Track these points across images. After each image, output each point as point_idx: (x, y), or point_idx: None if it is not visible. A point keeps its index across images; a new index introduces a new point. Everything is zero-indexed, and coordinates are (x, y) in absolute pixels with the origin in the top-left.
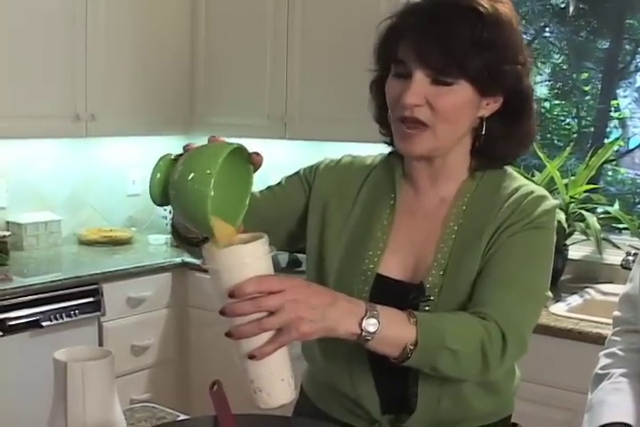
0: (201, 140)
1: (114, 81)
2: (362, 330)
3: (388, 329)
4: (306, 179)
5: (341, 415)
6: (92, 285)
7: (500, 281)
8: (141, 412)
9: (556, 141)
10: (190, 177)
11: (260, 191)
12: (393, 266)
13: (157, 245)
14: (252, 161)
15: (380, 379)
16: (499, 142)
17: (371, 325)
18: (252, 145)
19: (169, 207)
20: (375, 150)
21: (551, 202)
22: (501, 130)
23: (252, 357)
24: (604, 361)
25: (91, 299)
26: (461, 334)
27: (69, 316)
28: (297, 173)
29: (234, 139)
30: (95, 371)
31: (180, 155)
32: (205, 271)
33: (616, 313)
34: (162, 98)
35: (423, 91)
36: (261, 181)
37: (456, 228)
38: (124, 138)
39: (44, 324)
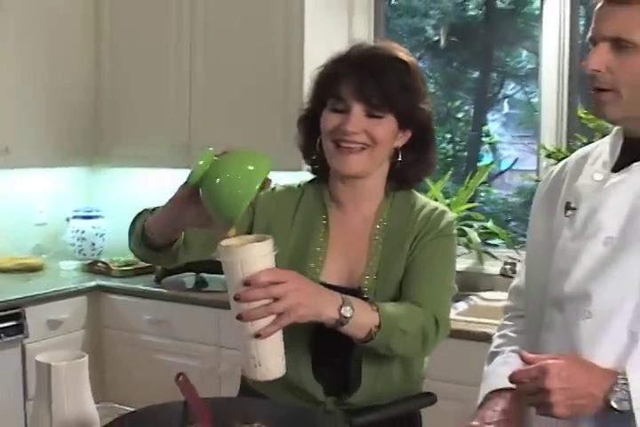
0: (105, 172)
1: (24, 114)
2: (340, 315)
3: (359, 315)
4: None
5: (287, 400)
6: (14, 309)
7: (425, 279)
8: (102, 410)
9: None
10: (243, 173)
11: None
12: (333, 275)
13: (68, 271)
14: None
15: (321, 367)
16: (410, 168)
17: (347, 311)
18: (155, 175)
19: (77, 234)
20: (281, 178)
21: (451, 215)
22: (412, 158)
23: (257, 336)
24: (497, 341)
25: (14, 322)
26: (409, 318)
27: None
28: None
29: (138, 169)
30: (74, 370)
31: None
32: (118, 293)
33: (506, 303)
34: (68, 130)
35: (361, 122)
36: None
37: (381, 240)
38: (33, 169)
39: None
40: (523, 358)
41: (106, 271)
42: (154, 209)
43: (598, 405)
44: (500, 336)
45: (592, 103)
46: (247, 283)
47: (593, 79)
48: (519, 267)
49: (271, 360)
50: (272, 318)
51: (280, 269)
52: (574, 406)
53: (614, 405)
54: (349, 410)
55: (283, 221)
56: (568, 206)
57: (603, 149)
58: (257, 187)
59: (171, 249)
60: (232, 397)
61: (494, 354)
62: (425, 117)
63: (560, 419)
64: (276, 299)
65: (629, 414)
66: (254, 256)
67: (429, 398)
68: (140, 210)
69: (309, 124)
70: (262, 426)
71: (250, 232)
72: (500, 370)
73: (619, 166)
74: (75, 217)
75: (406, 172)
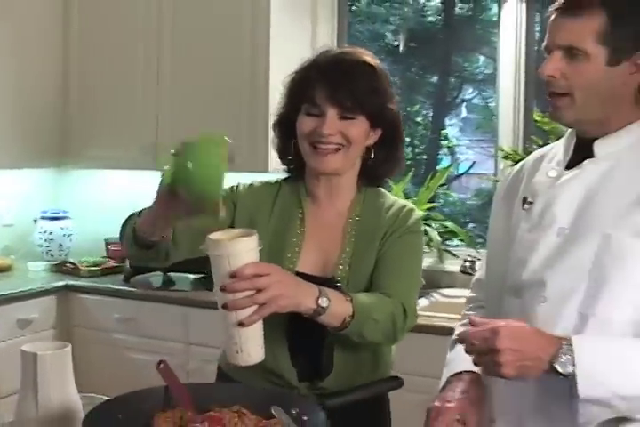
0: (73, 174)
1: None
2: (318, 306)
3: (335, 305)
4: (230, 198)
5: (262, 385)
6: None
7: (394, 272)
8: (83, 399)
9: None
10: (207, 149)
11: None
12: (308, 265)
13: (36, 271)
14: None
15: (297, 354)
16: (381, 165)
17: (324, 302)
18: (122, 176)
19: (45, 235)
20: (244, 178)
21: (419, 213)
22: (383, 155)
23: (241, 324)
24: (459, 329)
25: None
26: (380, 308)
27: None
28: None
29: (107, 170)
30: (59, 359)
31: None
32: (87, 292)
33: (470, 294)
34: (35, 131)
35: (335, 124)
36: (131, 209)
37: (354, 233)
38: (0, 170)
39: None
40: (472, 323)
41: (74, 271)
42: (140, 212)
43: (544, 368)
44: (463, 325)
45: (549, 107)
46: (233, 275)
47: (549, 84)
48: (479, 264)
49: (252, 347)
50: (254, 307)
51: (263, 262)
52: (522, 368)
53: (558, 368)
54: (322, 394)
55: (262, 214)
56: (525, 201)
57: (557, 149)
58: (224, 155)
59: (162, 246)
60: (211, 382)
61: (456, 342)
62: (393, 117)
63: (507, 379)
64: (259, 290)
65: (571, 378)
66: (241, 250)
67: (397, 382)
68: (128, 215)
69: (284, 129)
70: (241, 408)
71: (232, 226)
72: (462, 355)
73: (571, 164)
74: (42, 218)
75: (377, 168)
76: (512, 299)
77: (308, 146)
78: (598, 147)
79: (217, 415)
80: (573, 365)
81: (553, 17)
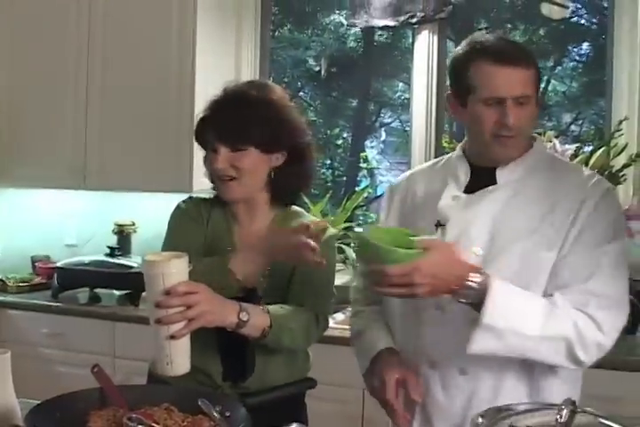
0: (4, 192)
1: None
2: (239, 320)
3: (254, 318)
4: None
5: (189, 385)
6: None
7: (308, 284)
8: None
9: (313, 190)
10: None
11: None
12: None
13: None
14: None
15: (225, 356)
16: (289, 181)
17: (244, 316)
18: (49, 195)
19: None
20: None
21: (332, 230)
22: (288, 173)
23: (172, 337)
24: (359, 322)
25: None
26: (295, 318)
27: None
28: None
29: (34, 189)
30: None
31: None
32: (15, 308)
33: (355, 297)
34: None
35: (227, 158)
36: (57, 227)
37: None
38: None
39: None
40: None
41: (2, 288)
42: None
43: (452, 295)
44: (359, 318)
45: (495, 147)
46: (167, 292)
47: (507, 130)
48: None
49: (181, 359)
50: (185, 322)
51: (193, 282)
52: (434, 296)
53: (462, 298)
54: (243, 393)
55: (199, 229)
56: (438, 223)
57: (445, 173)
58: None
59: None
60: (143, 384)
61: (360, 333)
62: (291, 138)
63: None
64: (189, 307)
65: (475, 306)
66: (174, 270)
67: (310, 382)
68: None
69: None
70: (170, 406)
71: None
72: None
73: (470, 189)
74: None
75: (284, 185)
76: (433, 311)
77: (214, 179)
78: (500, 175)
79: (149, 412)
80: (478, 294)
81: (488, 67)
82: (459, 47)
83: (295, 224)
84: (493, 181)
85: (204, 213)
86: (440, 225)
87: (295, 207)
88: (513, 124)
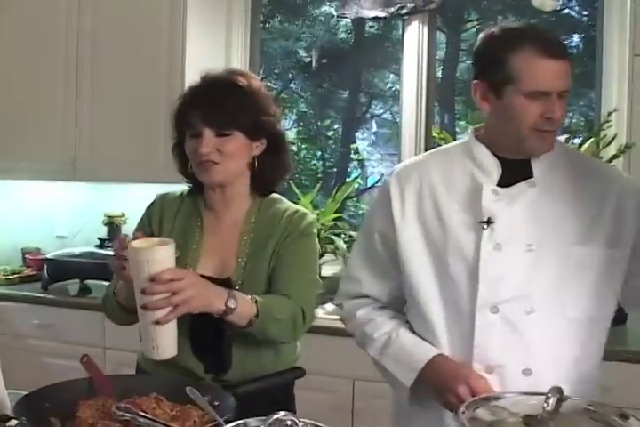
0: None
1: None
2: (226, 307)
3: (241, 306)
4: (146, 215)
5: (174, 376)
6: None
7: (291, 274)
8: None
9: (304, 181)
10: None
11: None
12: (207, 267)
13: None
14: None
15: (202, 350)
16: (269, 171)
17: (232, 303)
18: (39, 186)
19: None
20: (157, 190)
21: (311, 216)
22: (269, 161)
23: (157, 323)
24: (383, 328)
25: None
26: (281, 308)
27: None
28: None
29: (26, 181)
30: None
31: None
32: (5, 300)
33: (362, 291)
34: None
35: (212, 142)
36: (48, 219)
37: (249, 239)
38: None
39: None
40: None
41: None
42: (112, 292)
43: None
44: (372, 326)
45: (540, 141)
46: (152, 279)
47: (554, 124)
48: None
49: (166, 343)
50: (170, 308)
51: (179, 268)
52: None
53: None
54: (226, 385)
55: (167, 226)
56: (488, 220)
57: (454, 167)
58: None
59: None
60: (131, 374)
61: (388, 342)
62: (271, 127)
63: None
64: (174, 293)
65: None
66: (159, 257)
67: (299, 372)
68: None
69: (180, 151)
70: (158, 396)
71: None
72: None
73: (506, 183)
74: None
75: (266, 174)
76: (489, 314)
77: (194, 164)
78: (535, 168)
79: (137, 402)
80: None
81: (538, 60)
82: (484, 34)
83: (274, 211)
84: (526, 174)
85: (167, 209)
86: (488, 222)
87: (274, 195)
88: (558, 119)
